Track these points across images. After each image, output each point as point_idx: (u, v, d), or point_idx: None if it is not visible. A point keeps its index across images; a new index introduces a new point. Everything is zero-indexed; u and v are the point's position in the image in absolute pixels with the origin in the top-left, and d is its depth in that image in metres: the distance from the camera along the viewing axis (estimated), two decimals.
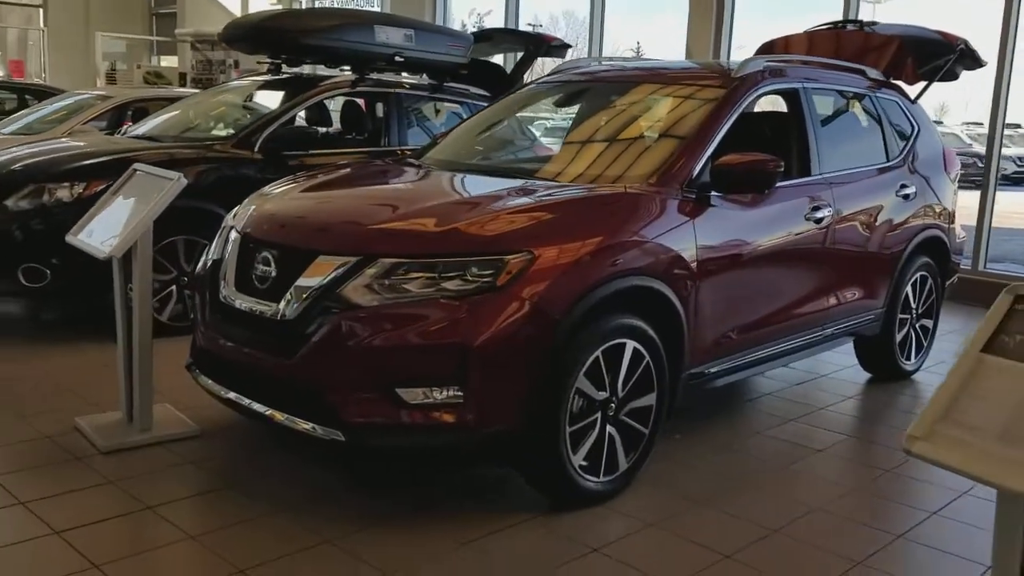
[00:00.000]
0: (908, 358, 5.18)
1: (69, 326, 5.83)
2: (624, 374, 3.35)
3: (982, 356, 1.84)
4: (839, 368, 5.34)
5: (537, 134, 5.97)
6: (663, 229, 3.47)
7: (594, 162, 4.05)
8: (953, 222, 5.41)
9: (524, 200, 3.41)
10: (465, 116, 7.15)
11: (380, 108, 6.87)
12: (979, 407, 1.79)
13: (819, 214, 4.25)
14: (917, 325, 5.22)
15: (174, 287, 5.40)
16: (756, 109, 5.42)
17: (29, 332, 5.73)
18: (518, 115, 5.01)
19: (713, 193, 3.72)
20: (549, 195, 3.49)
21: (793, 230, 4.10)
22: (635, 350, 3.36)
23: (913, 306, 5.13)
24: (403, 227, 3.25)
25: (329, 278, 3.09)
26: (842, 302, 4.51)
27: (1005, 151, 8.37)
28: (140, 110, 8.69)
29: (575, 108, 4.78)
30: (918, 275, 5.10)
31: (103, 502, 3.20)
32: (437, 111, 7.39)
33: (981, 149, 9.62)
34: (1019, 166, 22.39)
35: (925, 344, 5.33)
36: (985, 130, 7.85)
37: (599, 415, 3.29)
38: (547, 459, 3.15)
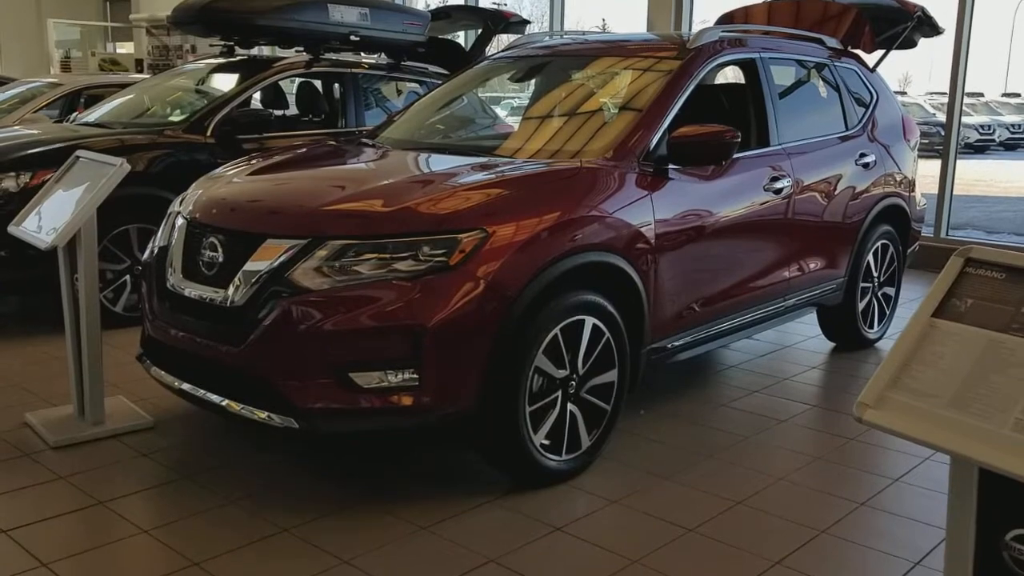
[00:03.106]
0: (871, 327, 5.19)
1: (19, 319, 5.69)
2: (584, 351, 3.30)
3: (933, 321, 1.80)
4: (804, 339, 5.34)
5: (494, 111, 5.88)
6: (620, 203, 3.42)
7: (551, 138, 3.99)
8: (913, 190, 5.41)
9: (478, 177, 3.35)
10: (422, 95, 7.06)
11: (337, 89, 6.76)
12: (930, 373, 1.75)
13: (778, 184, 4.22)
14: (879, 294, 5.23)
15: (128, 277, 5.28)
16: (717, 81, 5.41)
17: None
18: (474, 92, 4.92)
19: (671, 166, 3.68)
20: (504, 171, 3.42)
21: (753, 201, 4.07)
22: (594, 326, 3.32)
23: (875, 275, 5.14)
24: (353, 207, 3.17)
25: (277, 262, 3.01)
26: (804, 272, 4.49)
27: (968, 119, 8.40)
28: (93, 97, 8.51)
29: (532, 83, 4.71)
30: (879, 243, 5.10)
31: (53, 499, 3.12)
32: (399, 91, 7.29)
33: (944, 118, 9.69)
34: (982, 134, 22.65)
35: (888, 312, 5.34)
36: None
37: (559, 393, 3.25)
38: (507, 439, 3.10)
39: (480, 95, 5.09)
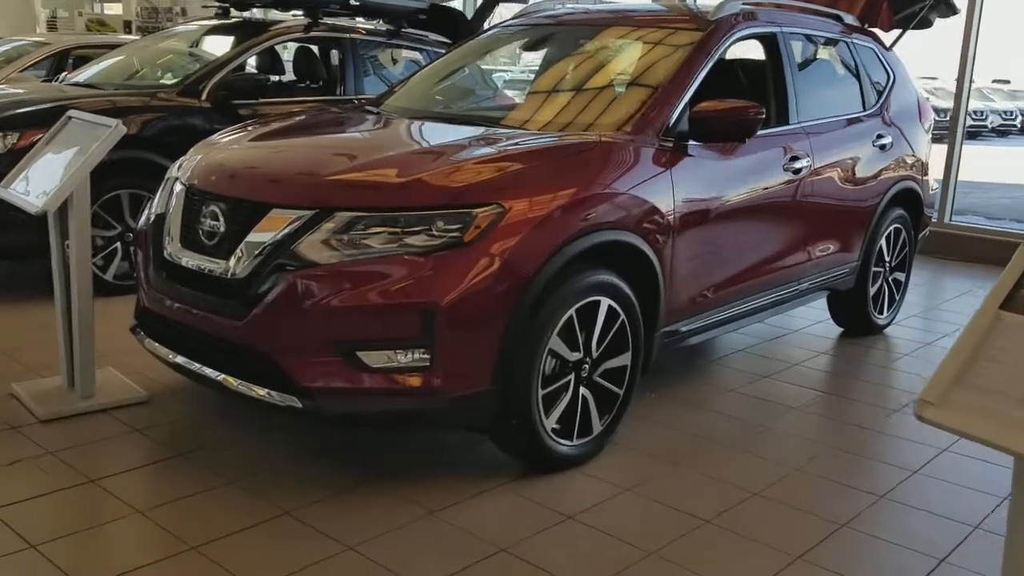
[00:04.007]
0: (881, 312, 5.09)
1: (6, 284, 5.51)
2: (598, 333, 3.18)
3: (1000, 313, 1.68)
4: (811, 323, 5.24)
5: (502, 80, 5.71)
6: (639, 180, 3.28)
7: (564, 109, 3.83)
8: (927, 174, 5.30)
9: (492, 149, 3.19)
10: (424, 64, 6.88)
11: (335, 55, 6.56)
12: (997, 368, 1.64)
13: (797, 164, 4.09)
14: (890, 279, 5.12)
15: (119, 243, 5.11)
16: (730, 56, 5.25)
17: None
18: (482, 61, 4.76)
19: (690, 142, 3.54)
20: (519, 144, 3.27)
21: (772, 181, 3.94)
22: (610, 308, 3.19)
23: (887, 259, 5.03)
24: (362, 178, 3.02)
25: (283, 233, 2.86)
26: (818, 256, 4.38)
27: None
28: (81, 58, 8.27)
29: (542, 53, 4.54)
30: (892, 228, 4.99)
31: (42, 475, 2.97)
32: (394, 60, 7.09)
33: (937, 103, 9.60)
34: (975, 120, 22.56)
35: (897, 298, 5.24)
36: (938, 84, 7.78)
37: (572, 376, 3.13)
38: (519, 423, 2.98)
39: (488, 65, 4.92)
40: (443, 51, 6.78)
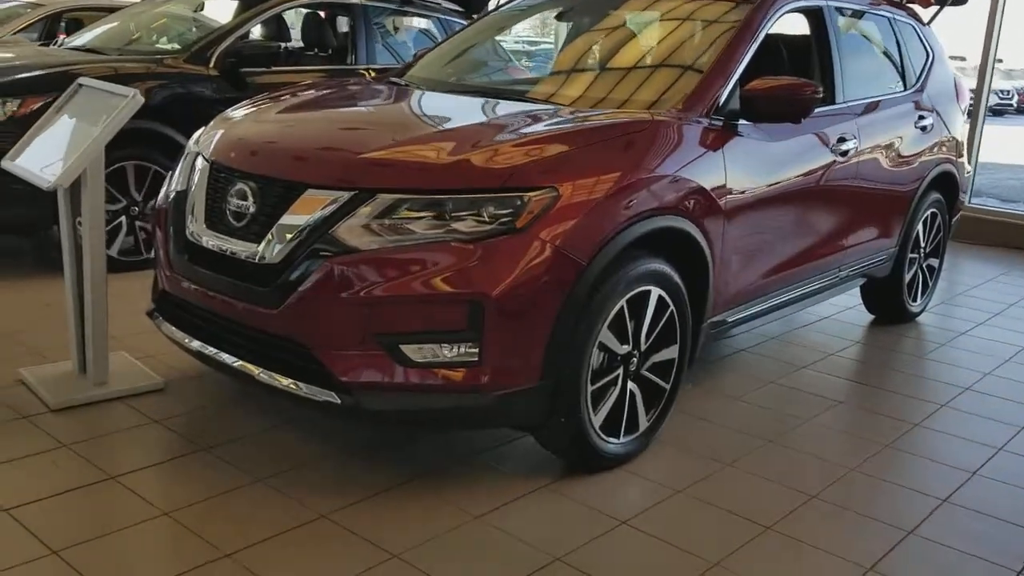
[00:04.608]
0: (915, 299, 4.94)
1: (11, 260, 5.28)
2: (647, 325, 3.00)
3: None
4: (841, 309, 5.08)
5: (535, 53, 5.48)
6: (692, 162, 3.09)
7: (609, 85, 3.62)
8: (962, 155, 5.13)
9: (541, 127, 2.98)
10: (436, 33, 6.63)
11: (345, 22, 6.30)
12: None
13: (844, 146, 3.90)
14: (924, 265, 4.97)
15: (124, 217, 4.88)
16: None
17: None
18: (513, 32, 4.53)
19: (741, 122, 3.35)
20: (569, 123, 3.06)
21: (820, 163, 3.76)
22: (659, 298, 3.01)
23: (922, 245, 4.87)
24: (404, 156, 2.81)
25: (319, 216, 2.65)
26: (858, 242, 4.21)
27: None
28: (74, 20, 7.98)
29: (578, 24, 4.32)
30: (928, 212, 4.82)
31: (57, 471, 2.78)
32: (396, 28, 6.83)
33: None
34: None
35: (931, 285, 5.09)
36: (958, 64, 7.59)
37: (620, 370, 2.95)
38: (567, 421, 2.80)
39: (519, 36, 4.69)
40: (457, 20, 6.56)
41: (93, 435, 3.03)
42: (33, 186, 3.21)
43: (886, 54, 4.64)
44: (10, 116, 4.55)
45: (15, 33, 7.81)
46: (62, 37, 7.12)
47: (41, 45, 7.14)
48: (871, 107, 4.22)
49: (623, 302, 2.87)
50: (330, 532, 2.55)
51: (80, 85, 3.46)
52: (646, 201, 2.88)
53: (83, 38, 6.01)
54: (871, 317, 4.99)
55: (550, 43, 7.39)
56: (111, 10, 7.24)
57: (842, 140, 3.89)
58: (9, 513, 2.53)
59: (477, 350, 2.59)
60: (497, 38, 4.76)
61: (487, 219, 2.61)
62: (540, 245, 2.62)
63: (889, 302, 4.85)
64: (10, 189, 4.06)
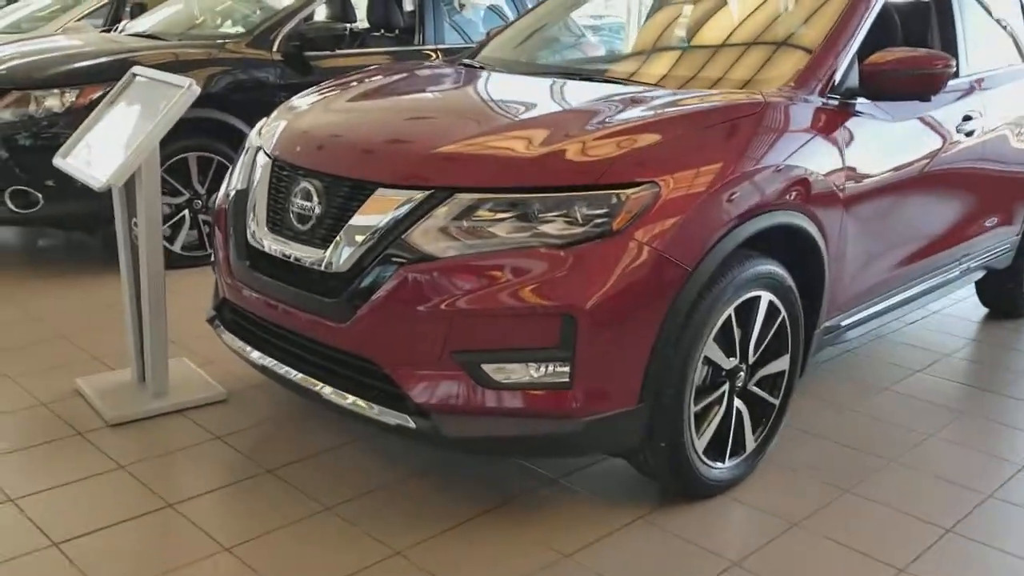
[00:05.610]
0: None
1: (66, 258, 5.14)
2: (757, 334, 2.66)
3: None
4: (950, 303, 4.63)
5: (622, 29, 5.12)
6: (809, 149, 2.73)
7: (708, 63, 3.25)
8: None
9: (636, 113, 2.64)
10: (507, 9, 6.30)
11: (411, 1, 6.01)
12: None
13: (970, 125, 3.48)
14: None
15: (187, 211, 4.69)
16: None
17: (19, 266, 4.98)
18: (597, 6, 4.18)
19: (860, 100, 2.96)
20: (668, 107, 2.71)
21: (945, 145, 3.35)
22: (770, 303, 2.67)
23: None
24: (483, 151, 2.50)
25: (391, 218, 2.37)
26: (982, 231, 3.78)
27: None
28: (139, 5, 7.84)
29: None
30: None
31: (112, 498, 2.57)
32: (462, 5, 6.51)
33: None
34: None
35: None
36: None
37: (726, 387, 2.62)
38: (667, 445, 2.49)
39: (604, 11, 4.34)
40: None
41: (151, 454, 2.81)
42: None
43: (1001, 21, 4.16)
44: (68, 107, 4.38)
45: (80, 19, 7.72)
46: (125, 22, 6.97)
47: (103, 31, 7.01)
48: (993, 81, 3.77)
49: (731, 310, 2.54)
50: (407, 572, 2.28)
51: (134, 75, 3.23)
52: (757, 195, 2.53)
53: (145, 23, 5.84)
54: (984, 311, 4.54)
55: (618, 18, 7.01)
56: None
57: (967, 119, 3.46)
58: (59, 548, 2.32)
59: (568, 369, 2.29)
60: (572, 14, 4.42)
61: (579, 220, 2.30)
62: (639, 249, 2.29)
63: (1008, 295, 4.40)
64: (68, 184, 3.87)
